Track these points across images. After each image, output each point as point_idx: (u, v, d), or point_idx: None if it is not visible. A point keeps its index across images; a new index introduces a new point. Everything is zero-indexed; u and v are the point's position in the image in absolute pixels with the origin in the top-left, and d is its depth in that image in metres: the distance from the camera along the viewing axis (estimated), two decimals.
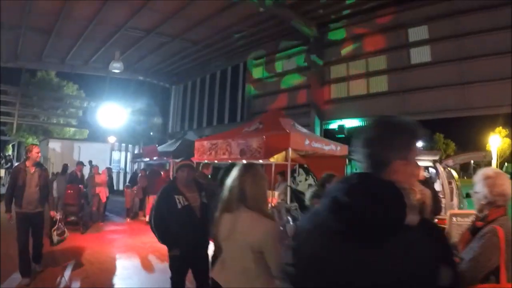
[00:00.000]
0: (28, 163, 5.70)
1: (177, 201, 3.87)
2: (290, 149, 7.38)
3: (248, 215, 2.33)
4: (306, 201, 5.85)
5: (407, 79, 11.63)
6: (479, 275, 2.13)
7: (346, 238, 1.18)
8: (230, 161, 8.66)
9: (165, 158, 11.77)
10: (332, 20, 13.37)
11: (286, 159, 7.52)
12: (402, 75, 11.81)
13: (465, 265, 2.15)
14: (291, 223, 5.49)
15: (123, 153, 22.86)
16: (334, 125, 13.26)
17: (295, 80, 14.84)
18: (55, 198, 10.88)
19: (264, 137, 7.42)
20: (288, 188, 7.03)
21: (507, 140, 46.14)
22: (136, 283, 5.96)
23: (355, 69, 13.04)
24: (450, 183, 8.31)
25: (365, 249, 1.14)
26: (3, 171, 20.57)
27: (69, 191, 10.14)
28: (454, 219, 3.93)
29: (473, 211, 2.74)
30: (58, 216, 6.54)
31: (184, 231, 3.85)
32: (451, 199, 8.02)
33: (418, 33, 11.48)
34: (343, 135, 12.56)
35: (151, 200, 11.29)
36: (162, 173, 11.32)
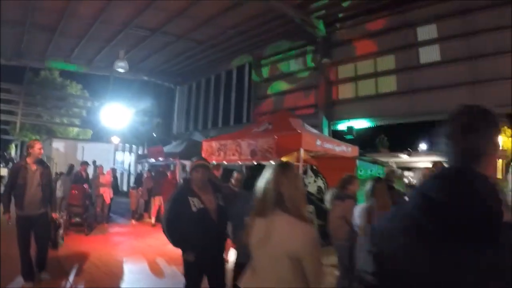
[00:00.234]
0: (29, 160, 5.23)
1: (192, 203, 3.66)
2: (302, 150, 7.20)
3: (285, 219, 2.13)
4: (326, 203, 5.68)
5: (417, 78, 11.48)
6: None
7: (443, 239, 1.05)
8: (240, 162, 8.54)
9: (171, 159, 11.57)
10: (339, 19, 13.21)
11: (297, 159, 7.32)
12: (411, 75, 11.66)
13: None
14: None
15: (127, 154, 22.67)
16: (342, 126, 13.08)
17: (302, 80, 14.65)
18: (60, 198, 10.75)
19: (275, 137, 7.25)
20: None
21: None
22: None
23: (363, 69, 12.87)
24: None
25: (468, 250, 1.02)
26: (4, 170, 20.33)
27: (73, 192, 9.92)
28: None
29: None
30: (61, 218, 6.18)
31: (199, 235, 3.63)
32: None
33: (427, 32, 11.31)
34: (351, 136, 12.39)
35: (156, 201, 11.12)
36: (168, 174, 11.11)
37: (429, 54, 11.27)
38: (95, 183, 11.34)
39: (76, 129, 28.69)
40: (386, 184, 5.29)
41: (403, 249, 1.12)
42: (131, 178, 20.95)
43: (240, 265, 3.22)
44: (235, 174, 7.50)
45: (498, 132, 1.22)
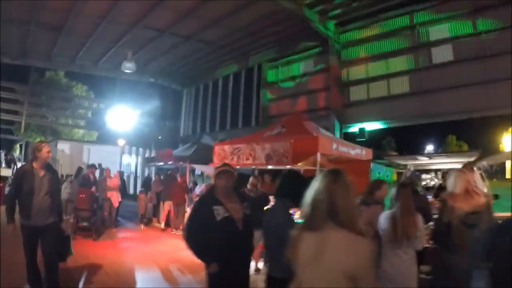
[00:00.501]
0: (36, 164, 4.68)
1: (216, 212, 3.42)
2: (319, 154, 6.95)
3: (340, 234, 1.89)
4: None
5: (429, 79, 11.29)
6: None
7: None
8: (254, 167, 8.29)
9: (181, 162, 11.34)
10: (350, 19, 12.97)
11: (314, 164, 7.07)
12: (423, 75, 11.46)
13: None
14: None
15: (133, 157, 22.50)
16: (354, 129, 12.85)
17: (313, 82, 14.40)
18: (65, 200, 10.55)
19: (292, 141, 7.00)
20: None
21: None
22: None
23: (375, 70, 12.66)
24: None
25: None
26: (6, 170, 20.09)
27: (81, 195, 9.66)
28: None
29: None
30: (69, 230, 5.56)
31: (223, 246, 3.39)
32: None
33: (439, 31, 11.15)
34: (364, 139, 12.15)
35: (166, 206, 10.88)
36: (178, 178, 10.85)
37: (442, 54, 11.09)
38: (102, 186, 11.10)
39: (81, 131, 28.58)
40: (411, 188, 5.10)
41: None
42: (137, 181, 20.77)
43: (273, 279, 3.00)
44: (251, 179, 7.30)
45: None
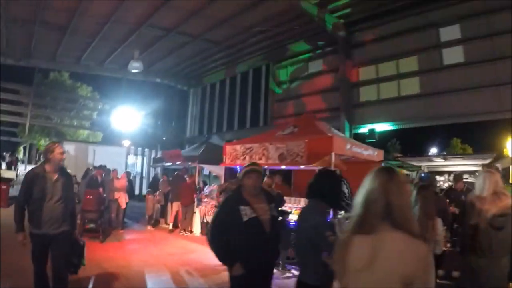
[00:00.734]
0: (48, 168, 4.27)
1: (243, 212, 3.26)
2: (333, 154, 6.80)
3: (396, 236, 1.72)
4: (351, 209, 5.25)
5: (440, 80, 11.13)
6: None
7: None
8: (266, 167, 8.13)
9: (189, 163, 11.19)
10: (360, 19, 12.80)
11: (328, 164, 6.91)
12: (434, 77, 11.30)
13: None
14: None
15: (139, 157, 22.37)
16: (364, 129, 12.68)
17: (322, 82, 14.24)
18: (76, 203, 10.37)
19: (306, 140, 6.85)
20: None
21: None
22: None
23: (385, 70, 12.48)
24: None
25: None
26: (10, 172, 19.98)
27: (88, 197, 9.51)
28: None
29: None
30: (82, 240, 5.02)
31: (249, 247, 3.24)
32: None
33: (450, 32, 10.97)
34: (374, 140, 11.99)
35: (174, 207, 10.73)
36: (187, 178, 10.69)
37: (453, 55, 10.90)
38: (109, 187, 10.94)
39: (86, 132, 28.50)
40: (432, 190, 4.95)
41: None
42: (143, 182, 20.63)
43: (305, 284, 2.83)
44: (265, 179, 7.13)
45: None
